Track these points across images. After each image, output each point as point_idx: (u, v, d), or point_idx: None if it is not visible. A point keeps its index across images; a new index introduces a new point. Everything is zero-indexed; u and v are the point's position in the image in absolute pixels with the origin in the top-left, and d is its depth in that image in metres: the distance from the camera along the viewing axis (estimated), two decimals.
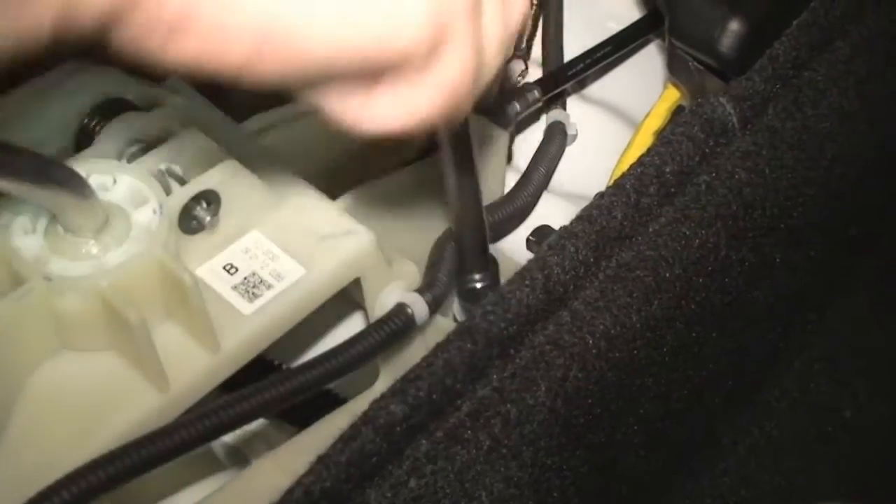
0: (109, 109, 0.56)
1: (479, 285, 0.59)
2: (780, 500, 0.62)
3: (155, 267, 0.49)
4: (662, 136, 0.58)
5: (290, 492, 0.46)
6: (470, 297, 0.60)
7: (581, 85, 0.78)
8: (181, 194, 0.52)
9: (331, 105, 0.41)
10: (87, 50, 0.37)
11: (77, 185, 0.47)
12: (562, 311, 0.53)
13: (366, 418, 0.48)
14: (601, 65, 0.76)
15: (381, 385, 0.60)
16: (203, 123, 0.56)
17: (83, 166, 0.51)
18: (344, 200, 0.59)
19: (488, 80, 0.44)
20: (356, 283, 0.55)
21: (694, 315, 0.58)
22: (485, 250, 0.59)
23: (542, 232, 0.69)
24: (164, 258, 0.49)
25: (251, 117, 0.64)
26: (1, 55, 0.34)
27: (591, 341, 0.53)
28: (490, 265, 0.60)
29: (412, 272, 0.57)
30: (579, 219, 0.54)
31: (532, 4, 0.75)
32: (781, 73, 0.60)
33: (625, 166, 0.58)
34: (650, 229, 0.55)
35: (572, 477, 0.55)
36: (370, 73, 0.40)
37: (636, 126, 0.73)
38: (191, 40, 0.36)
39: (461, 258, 0.59)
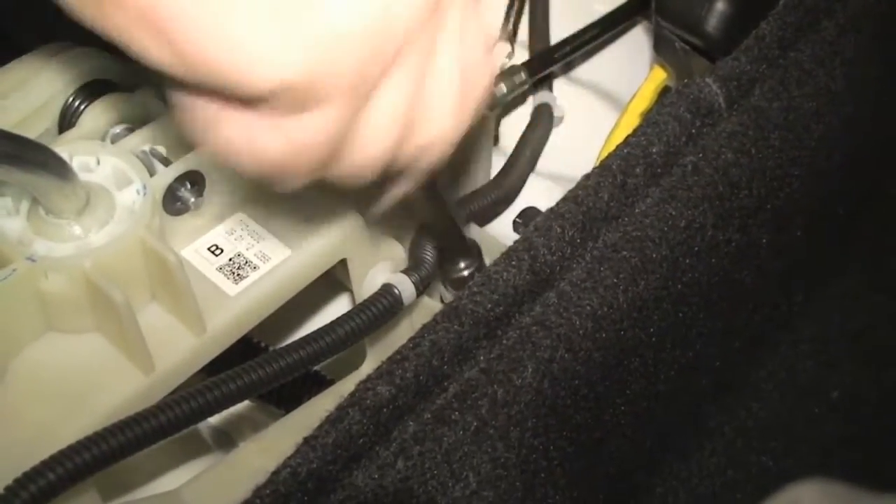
0: (93, 91, 0.55)
1: (465, 273, 0.59)
2: (768, 481, 0.62)
3: (139, 247, 0.49)
4: (649, 117, 0.57)
5: (276, 473, 0.46)
6: (458, 286, 0.59)
7: (568, 67, 0.78)
8: (165, 175, 0.52)
9: (193, 112, 0.39)
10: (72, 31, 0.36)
11: (58, 168, 0.47)
12: (548, 292, 0.52)
13: (352, 399, 0.48)
14: (588, 47, 0.76)
15: (368, 366, 0.60)
16: None
17: (66, 147, 0.50)
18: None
19: (350, 166, 0.41)
20: (342, 264, 0.55)
21: (681, 295, 0.58)
22: (462, 238, 0.59)
23: (528, 214, 0.69)
24: (148, 238, 0.48)
25: None
26: None
27: (577, 322, 0.53)
28: (471, 250, 0.60)
29: (399, 253, 0.57)
30: (565, 200, 0.54)
31: None
32: (768, 53, 0.60)
33: (611, 147, 0.58)
34: (636, 210, 0.55)
35: (559, 457, 0.55)
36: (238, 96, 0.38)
37: (623, 108, 0.73)
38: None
39: (442, 252, 0.59)
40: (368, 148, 0.40)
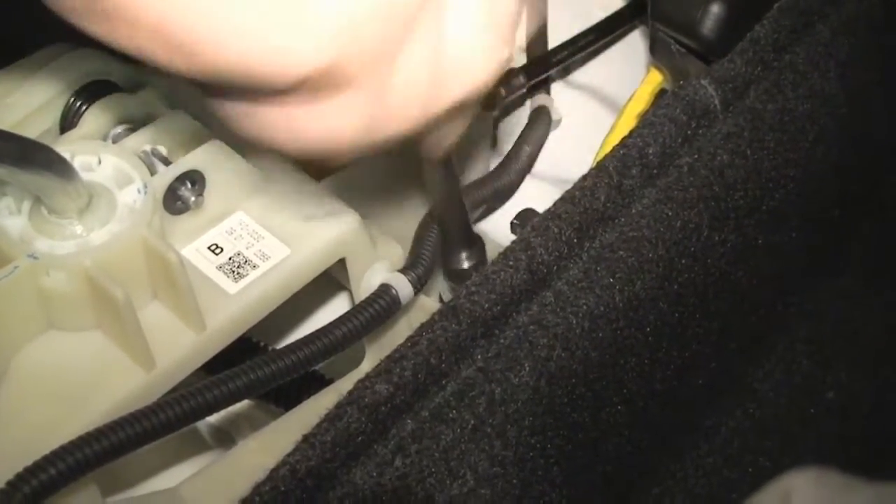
0: (94, 91, 0.56)
1: (466, 265, 0.60)
2: (764, 481, 0.63)
3: (140, 246, 0.49)
4: (645, 119, 0.58)
5: (275, 471, 0.46)
6: (458, 278, 0.60)
7: (566, 71, 0.79)
8: (166, 175, 0.52)
9: (226, 109, 0.40)
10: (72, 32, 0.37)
11: (60, 168, 0.47)
12: (545, 292, 0.53)
13: (351, 398, 0.48)
14: (586, 51, 0.76)
15: (367, 365, 0.60)
16: (188, 104, 0.56)
17: (68, 147, 0.51)
18: (329, 182, 0.59)
19: (389, 134, 0.41)
20: (341, 263, 0.55)
21: (676, 296, 0.58)
22: (468, 228, 0.60)
23: (526, 215, 0.69)
24: (149, 237, 0.49)
25: None
26: None
27: (574, 321, 0.53)
28: (475, 242, 0.60)
29: (397, 252, 0.57)
30: (562, 200, 0.54)
31: None
32: (763, 55, 0.60)
33: (608, 149, 0.58)
34: (633, 210, 0.55)
35: (556, 456, 0.55)
36: (263, 90, 0.38)
37: (620, 110, 0.73)
38: (98, 19, 0.36)
39: (446, 239, 0.59)
40: (405, 109, 0.40)
